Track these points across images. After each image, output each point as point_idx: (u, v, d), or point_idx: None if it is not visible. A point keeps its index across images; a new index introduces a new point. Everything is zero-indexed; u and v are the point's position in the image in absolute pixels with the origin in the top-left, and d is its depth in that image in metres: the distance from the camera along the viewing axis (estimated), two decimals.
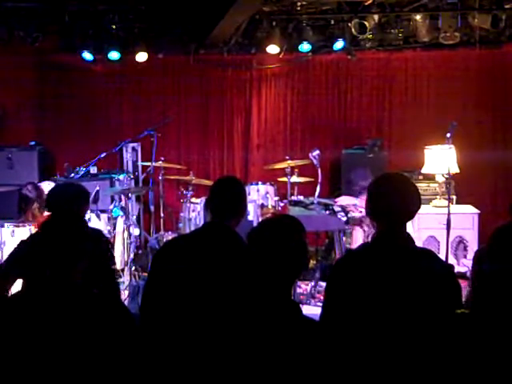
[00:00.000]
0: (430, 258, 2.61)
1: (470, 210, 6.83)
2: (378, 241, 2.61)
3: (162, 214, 7.01)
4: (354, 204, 5.51)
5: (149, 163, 6.98)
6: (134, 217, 6.97)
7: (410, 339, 2.43)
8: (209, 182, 7.36)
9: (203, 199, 6.98)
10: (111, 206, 6.31)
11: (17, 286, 3.58)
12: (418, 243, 6.56)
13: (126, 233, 6.25)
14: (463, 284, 7.06)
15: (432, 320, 2.44)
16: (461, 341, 2.27)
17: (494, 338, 2.18)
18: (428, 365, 2.37)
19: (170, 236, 6.88)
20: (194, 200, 6.94)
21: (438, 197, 6.91)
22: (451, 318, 2.44)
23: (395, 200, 2.60)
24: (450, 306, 2.48)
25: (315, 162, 5.51)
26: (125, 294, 5.50)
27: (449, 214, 5.21)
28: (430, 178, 7.08)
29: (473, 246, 6.61)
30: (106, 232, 5.99)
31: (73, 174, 6.73)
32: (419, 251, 2.69)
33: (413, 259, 2.55)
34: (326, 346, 2.17)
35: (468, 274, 6.43)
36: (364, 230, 5.72)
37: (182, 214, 7.05)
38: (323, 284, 5.44)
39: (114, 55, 7.34)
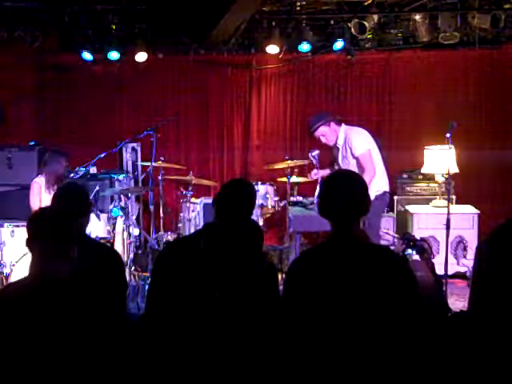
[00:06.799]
0: (384, 252, 2.63)
1: (470, 210, 6.83)
2: (333, 239, 2.62)
3: (161, 214, 7.01)
4: None
5: (148, 163, 6.97)
6: (134, 217, 6.97)
7: (370, 333, 2.43)
8: (208, 182, 7.36)
9: (203, 199, 6.99)
10: (111, 206, 6.31)
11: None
12: None
13: (125, 233, 6.24)
14: (463, 284, 7.04)
15: (391, 313, 2.44)
16: (459, 341, 2.27)
17: (494, 338, 2.18)
18: (393, 359, 2.38)
19: (169, 236, 6.88)
20: (193, 200, 6.94)
21: (437, 197, 6.91)
22: (410, 309, 2.46)
23: (345, 198, 2.59)
24: (406, 298, 2.49)
25: (315, 162, 5.51)
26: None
27: (448, 213, 5.21)
28: (429, 178, 7.09)
29: (472, 246, 6.60)
30: (105, 232, 5.99)
31: (72, 174, 6.73)
32: (374, 247, 2.71)
33: (368, 255, 2.56)
34: (283, 342, 2.18)
35: (468, 274, 6.44)
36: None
37: (181, 214, 7.04)
38: None
39: (114, 55, 7.34)
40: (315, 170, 5.85)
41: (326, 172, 5.77)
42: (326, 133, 5.69)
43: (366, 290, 2.45)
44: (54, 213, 2.55)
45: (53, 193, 5.78)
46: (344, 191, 2.60)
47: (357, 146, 5.59)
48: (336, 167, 5.94)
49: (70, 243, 2.45)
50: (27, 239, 2.47)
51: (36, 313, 2.29)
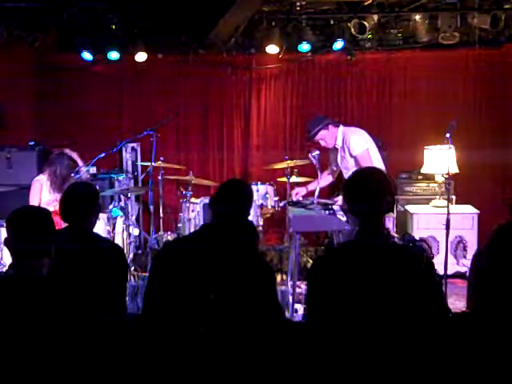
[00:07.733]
0: (409, 252, 2.66)
1: (470, 210, 6.83)
2: (360, 237, 2.63)
3: (161, 214, 7.01)
4: None
5: (148, 163, 6.96)
6: (134, 217, 6.97)
7: (395, 333, 2.44)
8: (208, 183, 7.36)
9: (203, 199, 6.98)
10: (111, 206, 6.31)
11: None
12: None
13: (125, 233, 6.24)
14: (463, 284, 7.04)
15: (414, 313, 2.45)
16: (460, 341, 2.26)
17: (494, 337, 2.17)
18: (416, 358, 2.38)
19: (169, 236, 6.88)
20: (193, 200, 6.94)
21: (437, 197, 6.91)
22: (434, 311, 2.47)
23: (371, 196, 2.61)
24: (430, 298, 2.51)
25: (315, 162, 5.49)
26: None
27: (448, 214, 5.20)
28: (429, 178, 7.09)
29: (472, 246, 6.61)
30: (105, 232, 5.99)
31: (72, 174, 6.72)
32: (398, 246, 2.74)
33: (393, 254, 2.57)
34: (310, 343, 2.18)
35: (468, 274, 6.43)
36: None
37: (181, 214, 7.04)
38: None
39: (114, 55, 7.34)
40: (297, 189, 5.88)
41: (312, 187, 5.79)
42: (325, 136, 5.71)
43: (393, 288, 2.47)
44: (32, 212, 2.55)
45: (55, 193, 5.85)
46: (373, 190, 2.62)
47: (354, 146, 5.60)
48: (334, 168, 5.95)
49: (49, 242, 2.44)
50: (6, 238, 2.46)
51: (16, 312, 2.28)
